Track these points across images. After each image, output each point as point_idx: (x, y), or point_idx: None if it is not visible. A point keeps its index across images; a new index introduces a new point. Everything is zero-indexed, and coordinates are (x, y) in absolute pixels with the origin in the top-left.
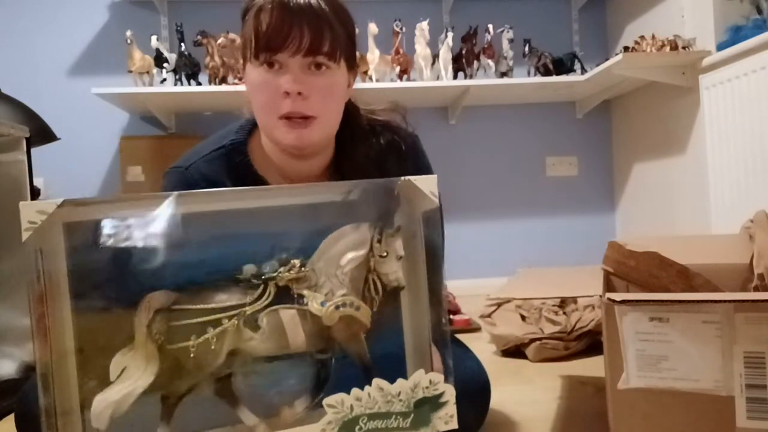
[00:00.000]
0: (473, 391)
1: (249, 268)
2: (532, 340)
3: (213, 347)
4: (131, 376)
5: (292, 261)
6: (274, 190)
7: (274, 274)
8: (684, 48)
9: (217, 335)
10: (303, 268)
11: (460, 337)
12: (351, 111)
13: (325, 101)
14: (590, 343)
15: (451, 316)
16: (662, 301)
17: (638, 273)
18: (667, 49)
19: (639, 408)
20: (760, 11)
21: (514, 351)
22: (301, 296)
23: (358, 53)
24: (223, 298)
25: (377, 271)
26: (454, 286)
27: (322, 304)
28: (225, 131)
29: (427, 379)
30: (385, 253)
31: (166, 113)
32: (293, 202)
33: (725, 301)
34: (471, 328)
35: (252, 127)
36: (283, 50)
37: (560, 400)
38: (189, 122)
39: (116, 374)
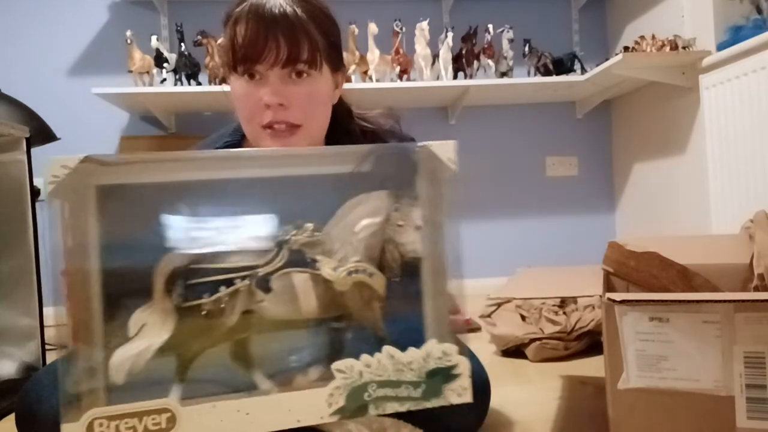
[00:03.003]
0: (473, 390)
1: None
2: (532, 340)
3: (224, 306)
4: (149, 332)
5: (305, 225)
6: (293, 152)
7: (288, 237)
8: (684, 48)
9: (229, 294)
10: (316, 233)
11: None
12: (341, 114)
13: (308, 109)
14: (590, 343)
15: (451, 316)
16: (662, 301)
17: (638, 273)
18: (667, 49)
19: (639, 408)
20: (760, 11)
21: (514, 351)
22: (315, 261)
23: (358, 53)
24: (237, 259)
25: (395, 240)
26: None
27: (335, 269)
28: (219, 134)
29: (439, 350)
30: (402, 222)
31: (166, 113)
32: (311, 167)
33: (725, 301)
34: (471, 328)
35: None
36: (261, 62)
37: (560, 400)
38: (189, 122)
39: (135, 331)
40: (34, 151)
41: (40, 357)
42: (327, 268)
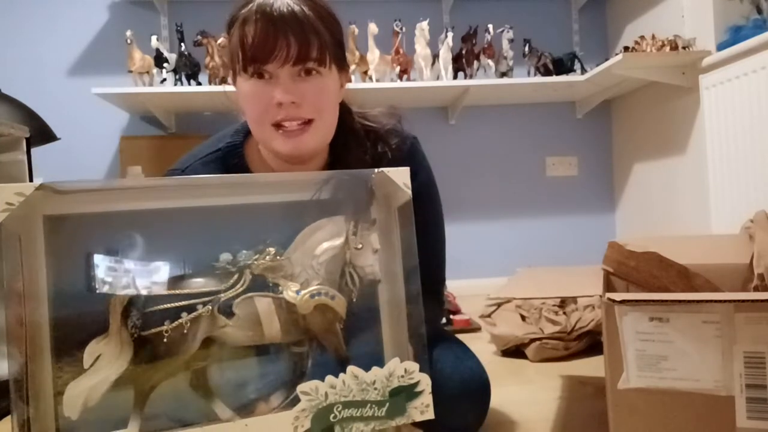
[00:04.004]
0: (473, 390)
1: (225, 257)
2: (532, 340)
3: (186, 332)
4: (105, 364)
5: (267, 249)
6: (255, 178)
7: (250, 262)
8: (684, 48)
9: (191, 320)
10: (278, 257)
11: (460, 337)
12: (343, 113)
13: (318, 105)
14: (590, 343)
15: (452, 316)
16: (662, 301)
17: (638, 273)
18: (667, 49)
19: (639, 408)
20: (760, 11)
21: (514, 351)
22: (277, 285)
23: (358, 53)
24: (199, 284)
25: (353, 263)
26: (454, 286)
27: (297, 292)
28: (221, 134)
29: (402, 368)
30: (360, 246)
31: (166, 113)
32: (273, 194)
33: (725, 301)
34: (471, 328)
35: (248, 130)
36: (271, 61)
37: (560, 400)
38: (189, 122)
39: (90, 362)
40: (34, 151)
41: None
42: (289, 292)
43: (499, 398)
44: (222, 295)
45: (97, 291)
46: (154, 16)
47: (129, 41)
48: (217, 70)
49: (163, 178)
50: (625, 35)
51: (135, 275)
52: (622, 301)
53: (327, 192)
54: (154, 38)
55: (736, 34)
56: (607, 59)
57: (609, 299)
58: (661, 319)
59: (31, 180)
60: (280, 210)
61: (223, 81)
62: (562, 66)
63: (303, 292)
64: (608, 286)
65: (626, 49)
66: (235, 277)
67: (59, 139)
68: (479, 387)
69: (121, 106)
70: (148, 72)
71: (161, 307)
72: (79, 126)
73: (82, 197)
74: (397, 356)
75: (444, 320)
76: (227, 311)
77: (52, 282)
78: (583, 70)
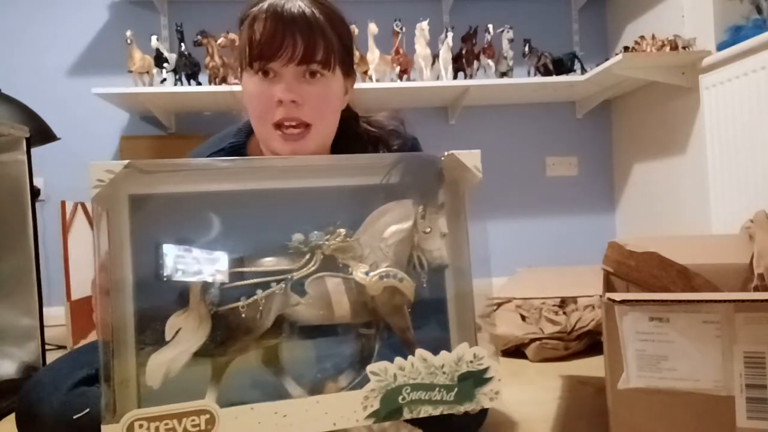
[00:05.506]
0: None
1: (297, 237)
2: (532, 340)
3: (260, 308)
4: (184, 337)
5: (338, 230)
6: (326, 161)
7: (321, 242)
8: (684, 48)
9: (265, 297)
10: (348, 238)
11: None
12: (348, 118)
13: (320, 109)
14: (590, 343)
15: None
16: (662, 301)
17: (638, 273)
18: (667, 49)
19: (639, 408)
20: (760, 11)
21: (514, 351)
22: (347, 266)
23: (358, 53)
24: (272, 263)
25: (421, 247)
26: None
27: (367, 273)
28: (224, 134)
29: (471, 353)
30: (428, 230)
31: (166, 113)
32: (338, 175)
33: (725, 301)
34: None
35: (251, 129)
36: (276, 59)
37: (560, 400)
38: (189, 122)
39: (171, 335)
40: (34, 151)
41: (40, 357)
42: (359, 273)
43: (499, 398)
44: (295, 273)
45: (166, 279)
46: (154, 16)
47: (129, 41)
48: (217, 70)
49: (243, 159)
50: (625, 35)
51: (195, 201)
52: (622, 301)
53: (396, 175)
54: (154, 38)
55: (736, 34)
56: (607, 59)
57: (609, 299)
58: (661, 319)
59: (31, 180)
60: (349, 193)
61: (224, 81)
62: (562, 66)
63: (372, 273)
64: (608, 286)
65: (626, 49)
66: (307, 256)
67: (59, 139)
68: None
69: (121, 106)
70: (148, 72)
71: (237, 283)
72: (79, 126)
73: (163, 177)
74: (465, 341)
75: None
76: (299, 290)
77: (137, 259)
78: (583, 70)
